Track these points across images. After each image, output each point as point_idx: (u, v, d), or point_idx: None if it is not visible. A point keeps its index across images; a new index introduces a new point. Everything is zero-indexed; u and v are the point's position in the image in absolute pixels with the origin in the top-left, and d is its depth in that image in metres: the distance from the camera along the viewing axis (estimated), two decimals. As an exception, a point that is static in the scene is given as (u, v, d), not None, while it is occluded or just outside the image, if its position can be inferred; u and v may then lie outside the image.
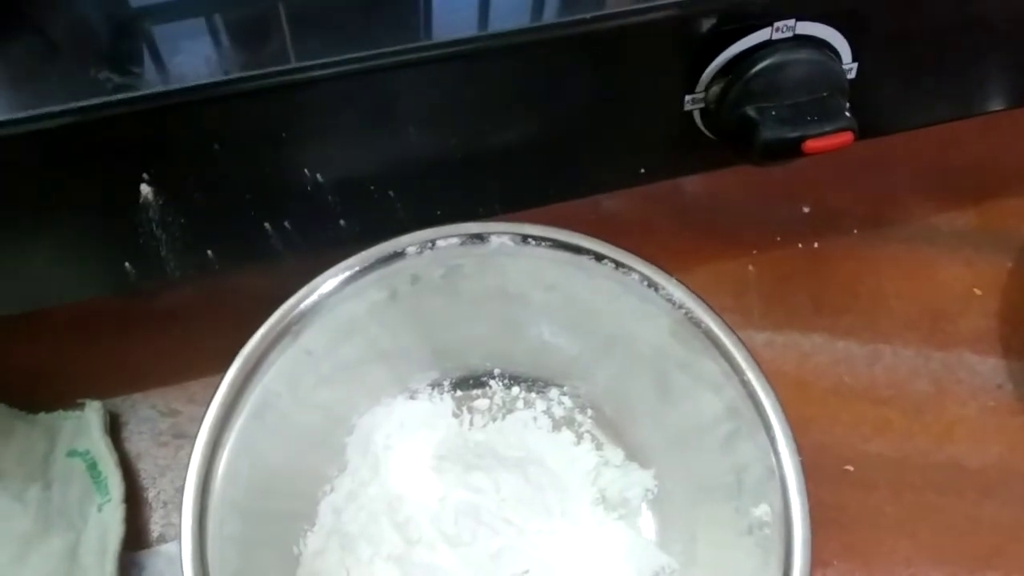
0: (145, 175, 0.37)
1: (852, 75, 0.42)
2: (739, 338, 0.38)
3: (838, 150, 0.40)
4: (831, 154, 0.56)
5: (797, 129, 0.39)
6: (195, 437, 0.38)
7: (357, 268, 0.40)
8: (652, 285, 0.40)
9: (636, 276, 0.40)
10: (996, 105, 0.49)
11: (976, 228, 0.55)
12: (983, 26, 0.44)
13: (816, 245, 0.54)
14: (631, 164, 0.44)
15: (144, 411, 0.48)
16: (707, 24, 0.39)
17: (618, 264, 0.40)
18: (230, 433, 0.39)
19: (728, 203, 0.55)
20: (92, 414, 0.46)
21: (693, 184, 0.56)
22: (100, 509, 0.44)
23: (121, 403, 0.48)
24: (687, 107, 0.41)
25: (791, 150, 0.39)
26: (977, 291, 0.53)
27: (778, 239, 0.54)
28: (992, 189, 0.56)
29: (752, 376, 0.37)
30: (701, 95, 0.41)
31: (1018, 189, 0.57)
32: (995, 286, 0.53)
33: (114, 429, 0.47)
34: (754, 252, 0.54)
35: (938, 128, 0.55)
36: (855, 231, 0.55)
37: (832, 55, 0.40)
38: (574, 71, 0.39)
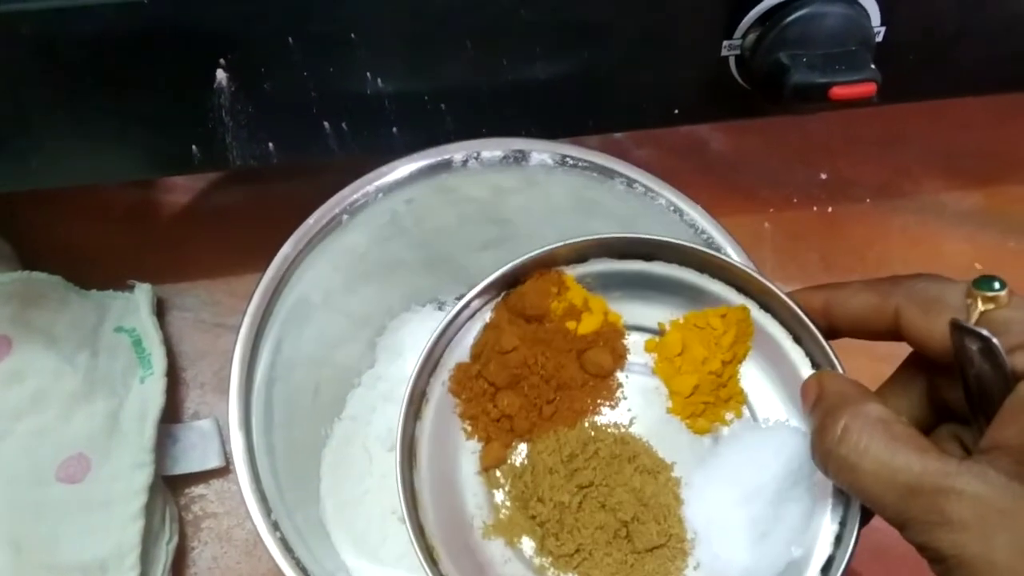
0: (222, 60, 0.40)
1: (880, 38, 0.45)
2: (752, 261, 0.41)
3: (859, 104, 0.43)
4: (850, 127, 0.60)
5: (826, 76, 0.42)
6: (238, 324, 0.40)
7: (405, 169, 0.43)
8: (677, 211, 0.43)
9: (663, 201, 0.43)
10: (1018, 87, 0.51)
11: (982, 208, 0.58)
12: (1011, 5, 0.46)
13: (830, 209, 0.58)
14: (667, 104, 0.47)
15: (189, 299, 0.52)
16: (750, -26, 0.42)
17: (647, 189, 0.43)
18: (271, 319, 0.42)
19: (750, 163, 0.59)
20: (141, 295, 0.50)
21: (719, 143, 0.59)
22: (143, 381, 0.47)
23: (168, 289, 0.51)
24: (724, 52, 0.44)
25: (819, 95, 0.42)
26: (978, 265, 0.56)
27: (795, 200, 0.57)
28: (1001, 174, 0.59)
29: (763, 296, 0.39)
30: (738, 42, 0.44)
31: (1024, 175, 0.60)
32: (995, 263, 0.56)
33: (159, 312, 0.51)
34: (771, 210, 0.57)
35: (954, 112, 0.58)
36: (868, 200, 0.58)
37: (863, 13, 0.43)
38: (624, 9, 0.42)
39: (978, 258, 0.56)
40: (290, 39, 0.40)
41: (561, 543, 0.34)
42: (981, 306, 0.29)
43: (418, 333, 0.48)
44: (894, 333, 0.32)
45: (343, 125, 0.44)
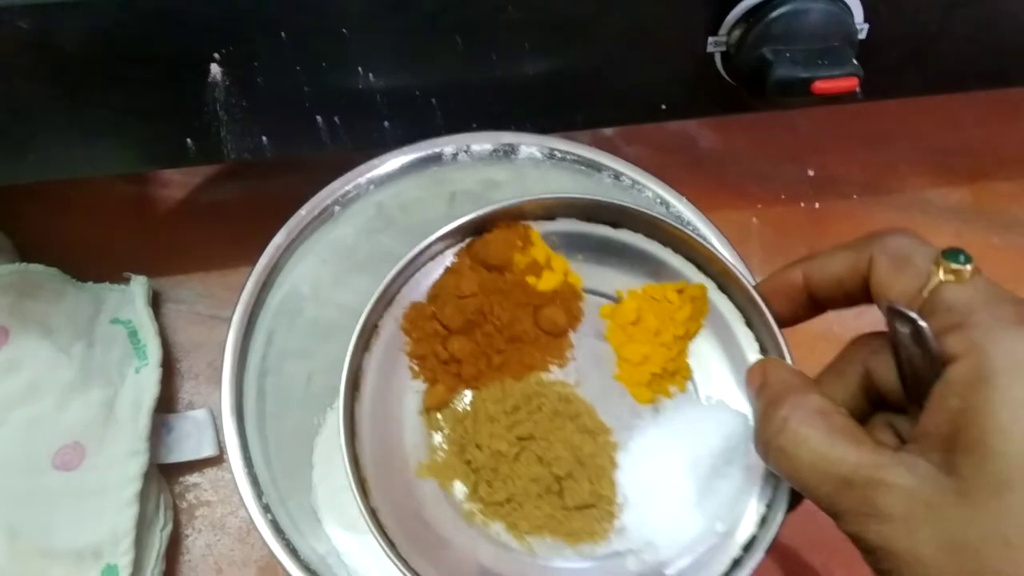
0: (216, 55, 0.41)
1: (863, 35, 0.46)
2: (737, 253, 0.42)
3: (843, 100, 0.44)
4: (838, 124, 0.60)
5: (808, 70, 0.43)
6: (231, 315, 0.41)
7: (396, 162, 0.44)
8: (664, 203, 0.44)
9: (650, 194, 0.44)
10: (1000, 83, 0.52)
11: (968, 205, 0.59)
12: (992, 4, 0.47)
13: (817, 206, 0.58)
14: (654, 99, 0.48)
15: (184, 291, 0.52)
16: (735, -29, 0.42)
17: (635, 182, 0.44)
18: (263, 309, 0.43)
19: (739, 160, 0.59)
20: (137, 287, 0.50)
21: (707, 140, 0.60)
22: (137, 371, 0.48)
23: (164, 282, 0.52)
24: (710, 49, 0.45)
25: (801, 89, 0.43)
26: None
27: (782, 197, 0.58)
28: (987, 171, 0.60)
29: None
30: (723, 38, 0.45)
31: (1011, 173, 0.60)
32: (981, 259, 0.56)
33: (155, 305, 0.51)
34: (759, 206, 0.58)
35: (941, 109, 0.59)
36: (855, 196, 0.59)
37: (846, 10, 0.44)
38: (611, 6, 0.43)
39: (963, 254, 0.57)
40: (283, 34, 0.41)
41: (493, 491, 0.34)
42: (942, 276, 0.29)
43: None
44: (867, 292, 0.32)
45: (335, 119, 0.45)
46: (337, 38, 0.41)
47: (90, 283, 0.51)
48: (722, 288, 0.38)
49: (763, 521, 0.34)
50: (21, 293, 0.48)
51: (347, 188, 0.43)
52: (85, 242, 0.52)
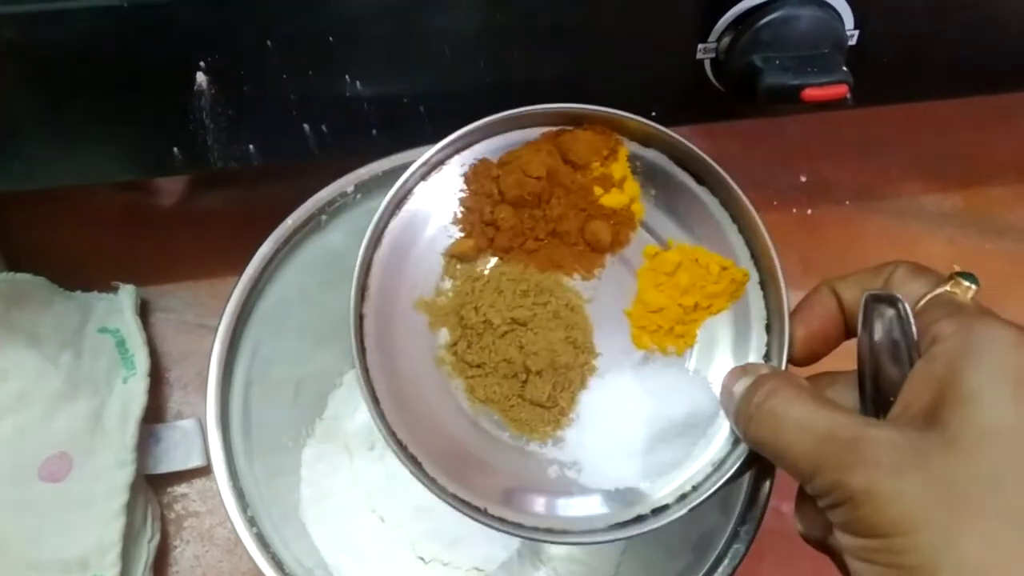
0: (202, 63, 0.40)
1: (853, 41, 0.45)
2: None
3: (834, 107, 0.44)
4: (830, 130, 0.60)
5: (798, 77, 0.42)
6: (218, 324, 0.41)
7: (381, 169, 0.44)
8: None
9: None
10: (990, 89, 0.52)
11: (961, 211, 0.59)
12: (982, 10, 0.47)
13: (809, 212, 0.58)
14: (643, 107, 0.47)
15: (172, 300, 0.52)
16: (724, -22, 0.42)
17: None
18: (250, 319, 0.43)
19: (730, 166, 0.58)
20: (125, 297, 0.50)
21: (700, 147, 0.59)
22: (125, 381, 0.48)
23: (152, 291, 0.52)
24: (699, 56, 0.45)
25: (791, 97, 0.42)
26: (956, 267, 0.56)
27: (775, 203, 0.58)
28: (980, 177, 0.60)
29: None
30: (713, 45, 0.44)
31: (1005, 179, 0.60)
32: (974, 264, 0.56)
33: (143, 314, 0.51)
34: (751, 212, 0.57)
35: (933, 115, 0.59)
36: (847, 202, 0.59)
37: (836, 17, 0.44)
38: (600, 12, 0.43)
39: (956, 260, 0.57)
40: (269, 42, 0.40)
41: (470, 352, 0.36)
42: (949, 287, 0.32)
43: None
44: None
45: (323, 127, 0.44)
46: (323, 46, 0.41)
47: (78, 292, 0.51)
48: (762, 285, 0.38)
49: (681, 497, 0.35)
50: (8, 302, 0.48)
51: (334, 197, 0.43)
52: (73, 250, 0.52)
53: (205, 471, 0.49)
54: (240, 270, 0.42)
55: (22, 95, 0.40)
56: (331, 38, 0.41)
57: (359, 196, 0.43)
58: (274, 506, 0.41)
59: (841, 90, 0.43)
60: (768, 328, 0.37)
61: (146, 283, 0.52)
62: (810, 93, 0.42)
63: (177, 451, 0.48)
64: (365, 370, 0.35)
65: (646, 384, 0.37)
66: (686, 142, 0.38)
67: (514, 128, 0.38)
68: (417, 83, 0.44)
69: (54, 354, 0.47)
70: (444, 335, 0.37)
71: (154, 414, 0.49)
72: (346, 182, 0.43)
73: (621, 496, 0.35)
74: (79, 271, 0.51)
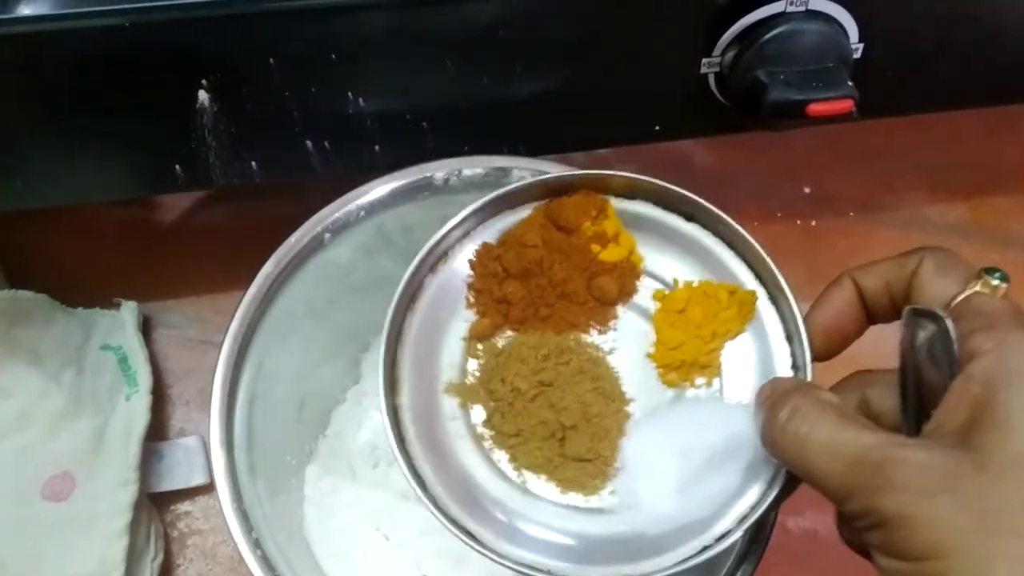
0: (204, 81, 0.40)
1: (858, 54, 0.45)
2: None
3: (839, 120, 0.44)
4: (834, 141, 0.60)
5: (803, 93, 0.42)
6: (222, 342, 0.41)
7: (386, 188, 0.43)
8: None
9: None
10: (995, 101, 0.52)
11: (967, 221, 0.59)
12: (987, 22, 0.47)
13: (814, 223, 0.58)
14: (648, 121, 0.47)
15: (175, 317, 0.52)
16: (728, -7, 0.42)
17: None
18: (254, 337, 0.42)
19: (734, 178, 0.59)
20: (127, 313, 0.50)
21: (704, 158, 0.59)
22: (128, 398, 0.47)
23: (154, 307, 0.52)
24: (703, 70, 0.45)
25: (796, 112, 0.42)
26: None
27: (779, 215, 0.58)
28: (986, 187, 0.60)
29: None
30: (717, 59, 0.44)
31: (1011, 189, 0.60)
32: (979, 276, 0.56)
33: (145, 330, 0.51)
34: (755, 224, 0.56)
35: (937, 126, 0.58)
36: (851, 213, 0.58)
37: (840, 31, 0.43)
38: (603, 27, 0.43)
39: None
40: (271, 60, 0.40)
41: (505, 422, 0.37)
42: (979, 287, 0.31)
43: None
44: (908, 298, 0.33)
45: (325, 144, 0.44)
46: (326, 63, 0.41)
47: (80, 309, 0.51)
48: (772, 299, 0.38)
49: (742, 519, 0.35)
50: (10, 320, 0.47)
51: (337, 215, 0.43)
52: (74, 267, 0.52)
53: (208, 489, 0.48)
54: (243, 286, 0.42)
55: (25, 113, 0.40)
56: (333, 55, 0.41)
57: (363, 213, 0.43)
58: (277, 525, 0.40)
59: (846, 105, 0.42)
60: (788, 338, 0.38)
61: (148, 299, 0.52)
62: (815, 108, 0.42)
63: (180, 469, 0.48)
64: (409, 462, 0.35)
65: (683, 420, 0.37)
66: (667, 185, 0.39)
67: (505, 209, 0.39)
68: (419, 99, 0.44)
69: (56, 372, 0.47)
70: (479, 413, 0.37)
71: (157, 431, 0.49)
72: (349, 199, 0.43)
73: (683, 533, 0.35)
74: (81, 288, 0.51)
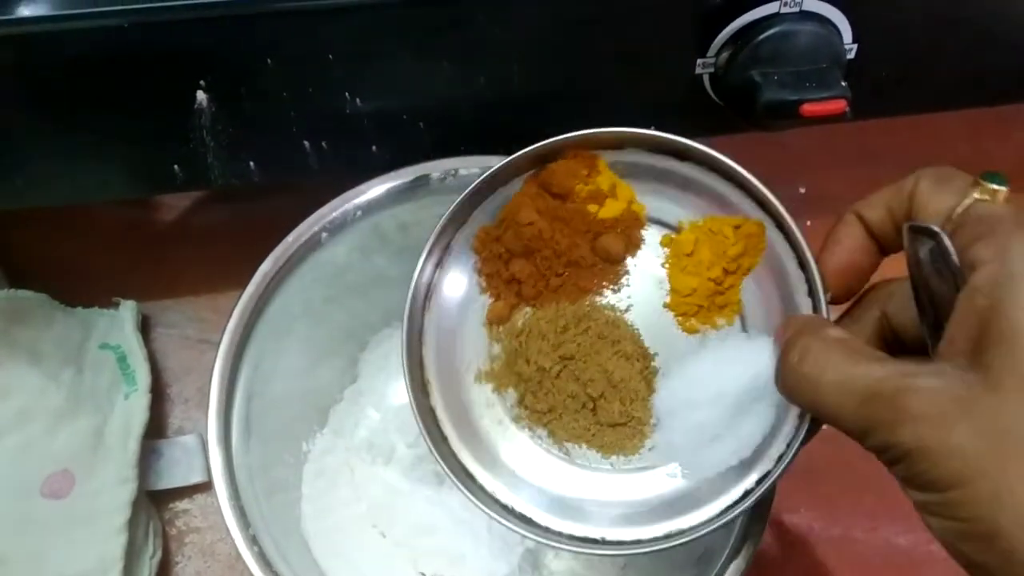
0: (202, 82, 0.41)
1: (851, 55, 0.45)
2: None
3: (833, 120, 0.44)
4: (829, 141, 0.60)
5: (796, 93, 0.42)
6: (220, 341, 0.41)
7: (383, 188, 0.44)
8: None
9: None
10: (988, 101, 0.52)
11: (961, 221, 0.59)
12: (979, 24, 0.47)
13: (808, 223, 0.57)
14: (642, 121, 0.47)
15: (173, 316, 0.52)
16: (722, -6, 0.42)
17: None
18: (252, 336, 0.43)
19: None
20: (126, 312, 0.50)
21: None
22: (127, 397, 0.48)
23: (153, 306, 0.52)
24: (698, 70, 0.45)
25: (790, 112, 0.43)
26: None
27: (774, 215, 0.58)
28: (978, 187, 0.60)
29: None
30: (712, 60, 0.45)
31: (1003, 189, 0.60)
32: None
33: (144, 329, 0.51)
34: (751, 224, 0.57)
35: (932, 126, 0.58)
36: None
37: (834, 32, 0.44)
38: (598, 28, 0.43)
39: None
40: (269, 61, 0.40)
41: (537, 401, 0.38)
42: (977, 195, 0.29)
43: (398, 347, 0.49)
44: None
45: (323, 144, 0.44)
46: (323, 64, 0.41)
47: (79, 308, 0.51)
48: (780, 228, 0.38)
49: (779, 458, 0.35)
50: (10, 319, 0.48)
51: (334, 215, 0.43)
52: (74, 266, 0.52)
53: (206, 487, 0.49)
54: (241, 285, 0.42)
55: (24, 114, 0.41)
56: (330, 56, 0.41)
57: (360, 213, 0.44)
58: (275, 522, 0.41)
59: (840, 105, 0.43)
60: (801, 264, 0.37)
61: (147, 298, 0.52)
62: (809, 108, 0.42)
63: (178, 467, 0.48)
64: (455, 460, 0.37)
65: (709, 366, 0.36)
66: (654, 133, 0.38)
67: (499, 187, 0.39)
68: (417, 100, 0.44)
69: (56, 371, 0.47)
70: (511, 395, 0.38)
71: (155, 430, 0.49)
72: (346, 199, 0.43)
73: (724, 479, 0.36)
74: (80, 287, 0.51)
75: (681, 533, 0.35)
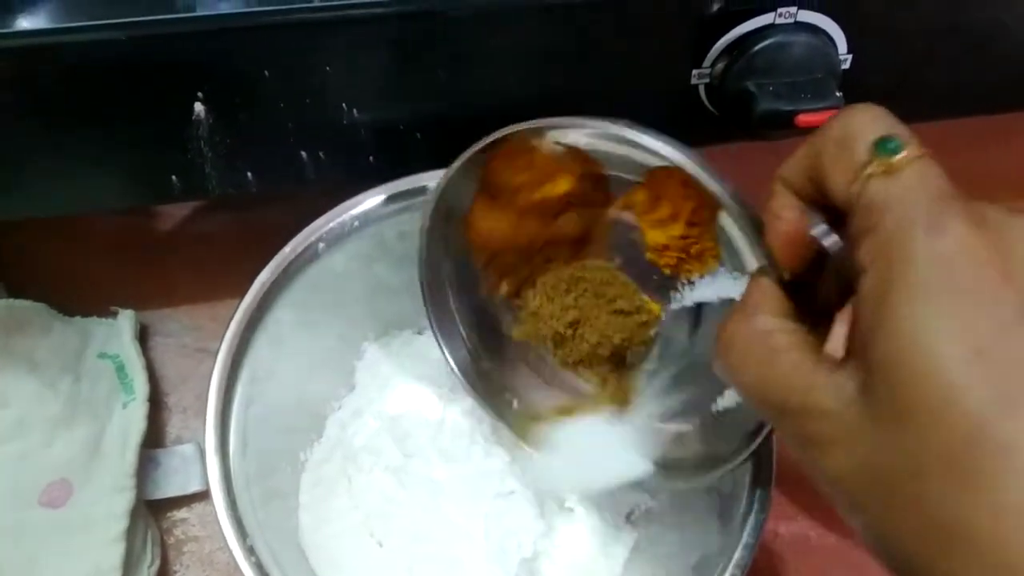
0: (200, 93, 0.41)
1: (846, 66, 0.46)
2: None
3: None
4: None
5: (791, 103, 0.43)
6: (217, 350, 0.41)
7: (380, 197, 0.44)
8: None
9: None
10: (984, 110, 0.52)
11: (958, 230, 0.59)
12: (974, 33, 0.47)
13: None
14: None
15: (171, 325, 0.52)
16: (717, 5, 0.43)
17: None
18: (250, 345, 0.43)
19: (726, 186, 0.59)
20: (124, 321, 0.50)
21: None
22: (125, 406, 0.48)
23: (151, 315, 0.52)
24: (694, 81, 0.45)
25: (785, 122, 0.43)
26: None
27: (770, 223, 0.58)
28: (976, 197, 0.59)
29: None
30: (707, 70, 0.45)
31: (1004, 198, 0.60)
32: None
33: (142, 338, 0.51)
34: (747, 233, 0.57)
35: (930, 134, 0.58)
36: (843, 222, 0.58)
37: (829, 42, 0.44)
38: (595, 38, 0.43)
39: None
40: (266, 72, 0.41)
41: (568, 354, 0.41)
42: (872, 168, 0.25)
43: (398, 358, 0.49)
44: None
45: (320, 154, 0.45)
46: (320, 75, 0.41)
47: (77, 317, 0.51)
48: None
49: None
50: (8, 328, 0.48)
51: (331, 225, 0.43)
52: (72, 275, 0.52)
53: (205, 496, 0.49)
54: (239, 294, 0.42)
55: (22, 125, 0.41)
56: (327, 67, 0.41)
57: (357, 223, 0.44)
58: (272, 532, 0.41)
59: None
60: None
61: (145, 308, 0.52)
62: (804, 119, 0.43)
63: (176, 476, 0.48)
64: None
65: (703, 306, 0.38)
66: (577, 118, 0.36)
67: (450, 197, 0.40)
68: (413, 109, 0.44)
69: (53, 380, 0.48)
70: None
71: (153, 439, 0.49)
72: (342, 210, 0.43)
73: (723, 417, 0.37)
74: (78, 296, 0.51)
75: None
